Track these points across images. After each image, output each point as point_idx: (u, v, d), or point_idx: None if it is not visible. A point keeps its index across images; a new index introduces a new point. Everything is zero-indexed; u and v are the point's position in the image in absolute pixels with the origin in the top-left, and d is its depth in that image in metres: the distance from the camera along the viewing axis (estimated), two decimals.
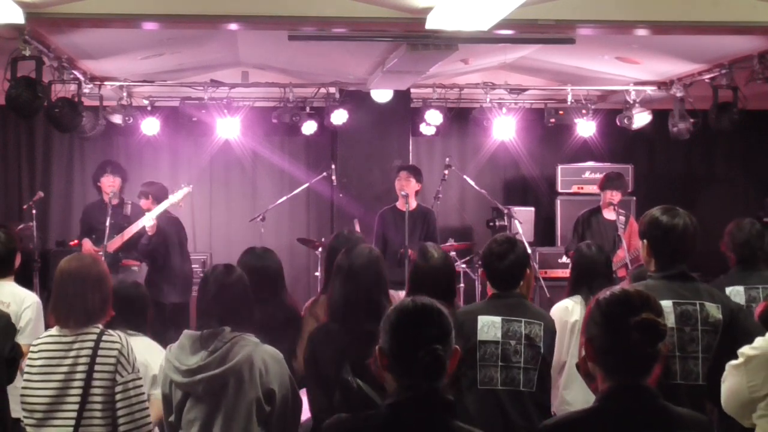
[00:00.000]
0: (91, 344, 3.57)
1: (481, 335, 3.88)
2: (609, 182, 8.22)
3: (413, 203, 8.01)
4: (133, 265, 7.89)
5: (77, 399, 3.54)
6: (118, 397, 3.54)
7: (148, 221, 7.70)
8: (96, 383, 3.54)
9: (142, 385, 3.64)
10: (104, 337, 3.59)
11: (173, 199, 7.93)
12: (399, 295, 7.78)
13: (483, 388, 3.87)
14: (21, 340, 4.73)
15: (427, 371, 2.36)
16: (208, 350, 3.48)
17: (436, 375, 2.37)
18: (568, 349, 4.69)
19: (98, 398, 3.55)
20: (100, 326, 3.65)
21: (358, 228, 8.90)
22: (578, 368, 2.50)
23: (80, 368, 3.56)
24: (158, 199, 7.78)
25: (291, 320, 4.46)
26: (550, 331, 4.00)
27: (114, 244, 7.70)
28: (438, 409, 2.38)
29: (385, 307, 3.63)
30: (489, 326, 3.89)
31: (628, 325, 2.33)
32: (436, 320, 2.42)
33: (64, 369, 3.57)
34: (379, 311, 3.56)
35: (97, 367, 3.54)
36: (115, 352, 3.56)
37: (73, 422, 3.54)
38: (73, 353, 3.58)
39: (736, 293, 4.81)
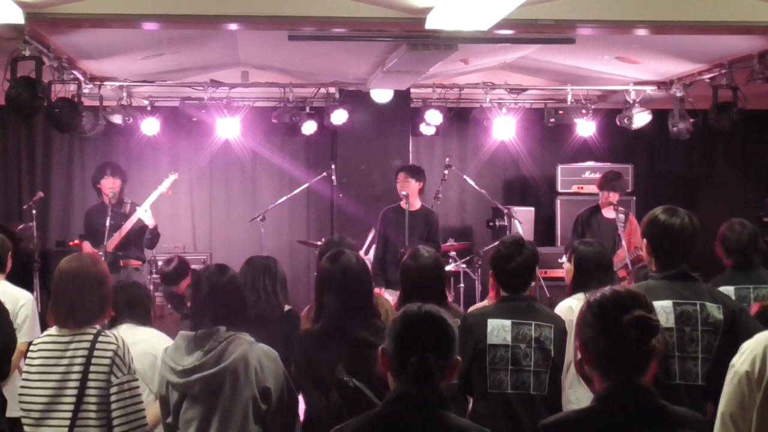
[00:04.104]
0: (87, 344, 3.57)
1: (491, 339, 3.86)
2: (607, 183, 8.22)
3: (416, 203, 8.01)
4: (134, 264, 7.88)
5: (73, 399, 3.54)
6: (113, 398, 3.53)
7: (142, 214, 7.71)
8: (91, 383, 3.54)
9: (138, 386, 3.63)
10: (100, 338, 3.58)
11: (162, 188, 7.96)
12: (398, 295, 7.80)
13: (493, 392, 3.86)
14: (19, 338, 4.72)
15: (415, 377, 2.43)
16: (203, 350, 3.48)
17: (424, 382, 2.43)
18: (574, 349, 4.66)
19: (93, 398, 3.54)
20: (98, 326, 3.65)
21: (372, 236, 8.80)
22: (576, 369, 2.51)
23: (76, 368, 3.55)
24: None
25: (285, 318, 4.48)
26: (561, 333, 3.97)
27: (112, 243, 7.70)
28: (432, 405, 2.45)
29: (371, 312, 3.73)
30: (499, 330, 3.87)
31: (622, 324, 2.34)
32: (436, 329, 2.49)
33: (61, 369, 3.57)
34: (367, 317, 3.61)
35: (92, 368, 3.54)
36: (110, 353, 3.55)
37: (68, 422, 3.53)
38: (69, 353, 3.58)
39: (727, 293, 4.81)
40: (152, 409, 3.92)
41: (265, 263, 4.66)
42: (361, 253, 8.50)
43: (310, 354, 3.79)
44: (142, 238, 7.93)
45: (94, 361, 3.54)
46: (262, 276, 4.57)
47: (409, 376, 2.43)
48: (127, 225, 7.76)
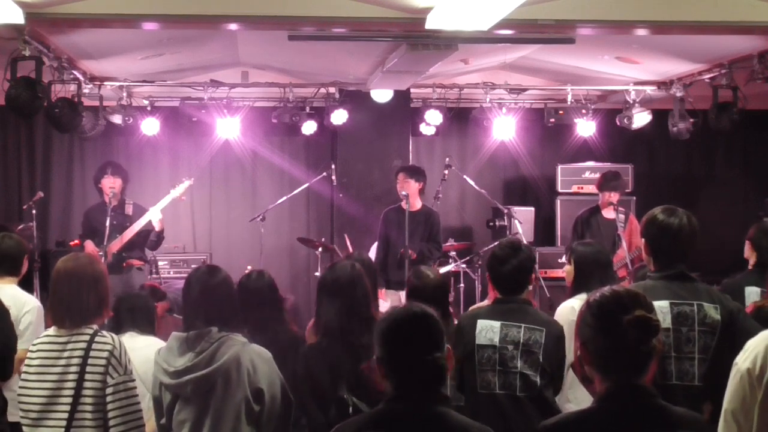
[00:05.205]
0: (83, 345, 3.57)
1: (479, 339, 3.89)
2: (606, 183, 8.23)
3: (417, 203, 8.02)
4: (137, 264, 7.90)
5: (69, 399, 3.54)
6: (108, 398, 3.53)
7: (155, 216, 7.73)
8: (87, 384, 3.54)
9: (134, 387, 3.63)
10: (96, 338, 3.58)
11: (175, 192, 7.99)
12: (399, 295, 7.81)
13: (482, 392, 3.88)
14: (20, 344, 4.70)
15: (424, 381, 2.43)
16: (195, 351, 3.48)
17: (438, 380, 2.43)
18: (574, 349, 4.66)
19: (89, 399, 3.54)
20: (95, 327, 3.65)
21: (348, 243, 8.92)
22: (574, 370, 2.51)
23: (73, 368, 3.56)
24: None
25: (292, 345, 4.42)
26: (555, 338, 3.96)
27: (114, 245, 7.71)
28: (433, 403, 2.44)
29: (372, 320, 3.70)
30: (487, 330, 3.90)
31: (621, 324, 2.34)
32: (426, 328, 2.48)
33: (58, 369, 3.57)
34: (370, 324, 3.62)
35: (88, 368, 3.54)
36: (106, 353, 3.55)
37: (64, 422, 3.53)
38: (66, 353, 3.58)
39: (755, 294, 4.84)
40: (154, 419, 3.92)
41: (269, 295, 4.57)
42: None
43: (312, 368, 3.79)
44: (146, 239, 7.95)
45: (90, 361, 3.54)
46: (267, 307, 4.51)
47: (416, 381, 2.42)
48: (135, 227, 7.78)
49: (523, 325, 3.91)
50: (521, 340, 3.89)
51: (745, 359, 2.80)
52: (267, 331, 4.32)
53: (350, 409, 3.53)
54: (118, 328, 4.31)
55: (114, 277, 6.41)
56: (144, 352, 4.16)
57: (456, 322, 4.27)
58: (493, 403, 3.86)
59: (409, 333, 2.46)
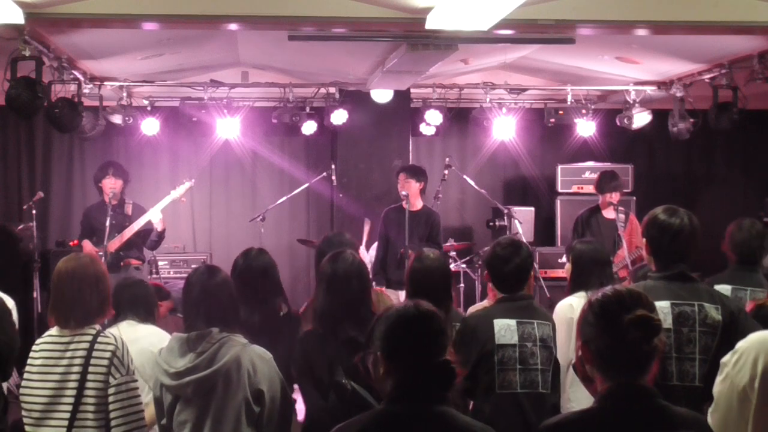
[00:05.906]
0: (86, 345, 3.58)
1: (499, 339, 3.90)
2: (608, 184, 8.22)
3: (417, 203, 8.03)
4: (135, 264, 7.90)
5: (71, 399, 3.55)
6: (111, 398, 3.54)
7: (155, 216, 7.74)
8: (89, 384, 3.55)
9: (136, 387, 3.64)
10: (99, 338, 3.59)
11: (175, 194, 7.99)
12: (399, 295, 7.81)
13: (502, 392, 3.88)
14: None
15: (426, 382, 2.40)
16: (195, 352, 3.47)
17: (441, 385, 2.40)
18: (576, 349, 4.68)
19: (91, 399, 3.55)
20: (97, 326, 3.66)
21: (367, 228, 8.86)
22: (575, 370, 2.51)
23: (75, 369, 3.56)
24: None
25: (284, 324, 4.41)
26: (555, 330, 4.06)
27: (113, 244, 7.72)
28: (436, 402, 2.42)
29: (367, 314, 3.69)
30: (506, 330, 3.91)
31: (623, 324, 2.33)
32: (431, 328, 2.45)
33: (61, 369, 3.58)
34: (361, 319, 3.61)
35: (90, 368, 3.55)
36: (108, 354, 3.56)
37: (66, 422, 3.54)
38: (69, 353, 3.59)
39: (724, 292, 4.82)
40: (151, 408, 3.93)
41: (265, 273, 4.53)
42: (361, 248, 8.52)
43: (310, 355, 3.80)
44: (145, 239, 7.96)
45: (92, 361, 3.55)
46: (251, 286, 4.41)
47: (423, 378, 2.39)
48: (134, 227, 7.79)
49: (535, 321, 3.97)
50: (538, 336, 3.93)
51: (734, 364, 2.79)
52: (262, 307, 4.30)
53: (349, 393, 3.53)
54: (116, 315, 4.29)
55: (111, 275, 6.41)
56: (142, 343, 4.16)
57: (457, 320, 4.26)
58: (513, 403, 3.87)
59: (412, 333, 2.43)
